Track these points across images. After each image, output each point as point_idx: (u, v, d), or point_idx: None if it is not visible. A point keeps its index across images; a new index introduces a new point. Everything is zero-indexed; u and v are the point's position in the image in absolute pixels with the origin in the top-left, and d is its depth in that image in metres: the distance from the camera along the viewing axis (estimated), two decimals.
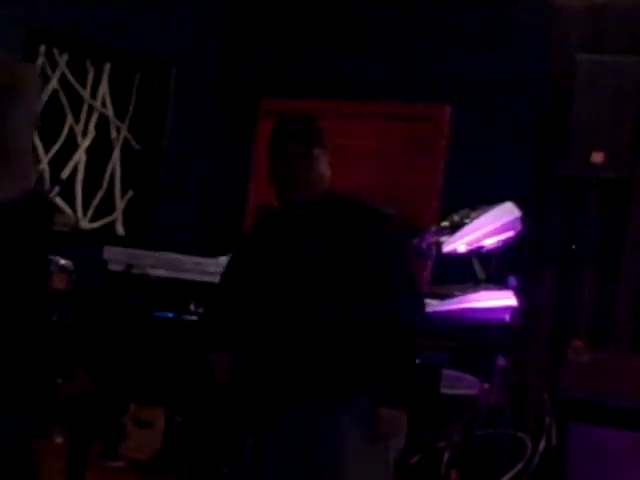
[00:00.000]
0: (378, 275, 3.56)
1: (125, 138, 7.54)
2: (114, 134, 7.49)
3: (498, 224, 5.27)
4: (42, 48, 7.06)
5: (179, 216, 7.44)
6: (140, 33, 7.19)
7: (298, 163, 3.63)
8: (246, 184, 7.13)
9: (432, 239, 5.25)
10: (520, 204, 5.36)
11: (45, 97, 7.12)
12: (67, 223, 7.13)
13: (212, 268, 5.32)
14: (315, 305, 3.54)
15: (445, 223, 5.32)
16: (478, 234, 5.23)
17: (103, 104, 7.43)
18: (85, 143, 7.36)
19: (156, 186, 7.56)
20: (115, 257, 6.22)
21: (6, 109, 2.80)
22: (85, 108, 7.35)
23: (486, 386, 5.14)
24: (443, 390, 4.94)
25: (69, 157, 7.29)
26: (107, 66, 7.42)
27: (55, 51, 7.15)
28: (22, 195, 2.77)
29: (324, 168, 3.69)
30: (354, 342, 3.52)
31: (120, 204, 7.55)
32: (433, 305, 5.16)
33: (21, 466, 2.74)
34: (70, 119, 7.27)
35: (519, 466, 5.56)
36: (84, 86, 7.33)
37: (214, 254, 5.56)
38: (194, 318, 4.67)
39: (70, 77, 7.25)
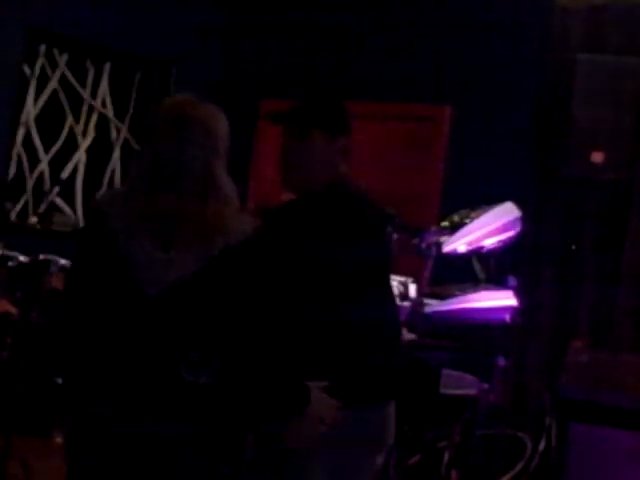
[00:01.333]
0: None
1: (125, 138, 7.55)
2: (114, 134, 7.50)
3: (498, 224, 5.27)
4: (42, 48, 7.06)
5: None
6: (140, 33, 7.19)
7: (289, 144, 3.36)
8: (246, 184, 7.13)
9: (432, 239, 5.25)
10: (520, 204, 5.36)
11: (45, 97, 7.13)
12: (67, 223, 7.14)
13: None
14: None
15: (445, 223, 5.31)
16: (478, 234, 5.23)
17: (103, 104, 7.43)
18: (85, 143, 7.37)
19: None
20: None
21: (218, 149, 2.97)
22: (85, 108, 7.35)
23: (486, 386, 5.14)
24: (443, 390, 4.94)
25: (69, 157, 7.29)
26: (107, 66, 7.42)
27: (55, 51, 7.15)
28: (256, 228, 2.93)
29: (325, 153, 3.38)
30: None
31: None
32: (433, 305, 5.16)
33: None
34: (70, 119, 7.27)
35: (519, 466, 5.56)
36: (84, 86, 7.33)
37: None
38: None
39: (70, 77, 7.25)
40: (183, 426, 2.81)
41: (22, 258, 5.34)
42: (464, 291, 5.19)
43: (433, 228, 5.36)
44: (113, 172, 7.51)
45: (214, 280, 2.81)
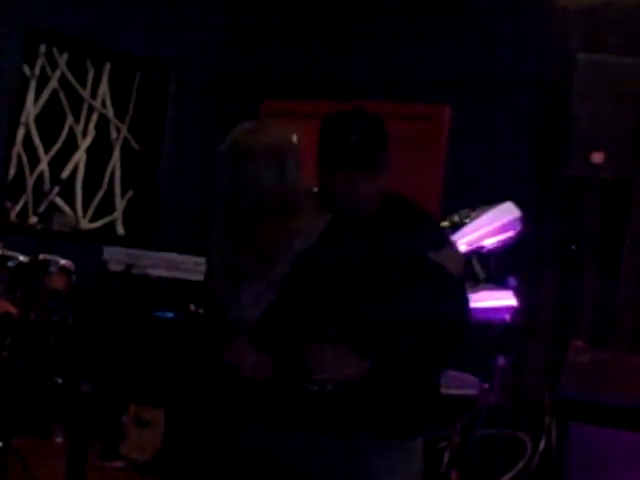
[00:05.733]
0: None
1: (125, 138, 7.55)
2: (114, 134, 7.50)
3: (498, 224, 5.26)
4: (42, 48, 7.06)
5: (179, 216, 7.44)
6: (140, 33, 7.19)
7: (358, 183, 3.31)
8: None
9: None
10: (520, 204, 5.35)
11: (45, 97, 7.13)
12: (67, 223, 7.13)
13: None
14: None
15: (445, 223, 5.31)
16: (478, 234, 5.23)
17: (103, 104, 7.43)
18: (85, 143, 7.37)
19: (156, 186, 7.57)
20: (115, 257, 6.22)
21: (284, 166, 2.98)
22: (85, 108, 7.35)
23: (486, 386, 5.14)
24: (443, 390, 4.94)
25: (69, 157, 7.29)
26: (107, 66, 7.42)
27: (55, 51, 7.15)
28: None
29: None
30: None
31: (120, 204, 7.55)
32: None
33: None
34: (70, 119, 7.27)
35: (519, 466, 5.55)
36: (84, 86, 7.34)
37: None
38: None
39: (70, 77, 7.25)
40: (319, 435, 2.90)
41: (22, 258, 5.34)
42: None
43: None
44: (113, 172, 7.51)
45: (295, 293, 2.90)
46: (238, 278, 2.94)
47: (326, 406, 2.86)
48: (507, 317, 5.17)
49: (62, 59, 7.20)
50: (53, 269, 5.36)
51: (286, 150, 3.01)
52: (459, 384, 5.06)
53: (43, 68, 7.09)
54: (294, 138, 3.07)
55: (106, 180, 7.47)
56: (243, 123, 3.08)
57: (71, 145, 7.29)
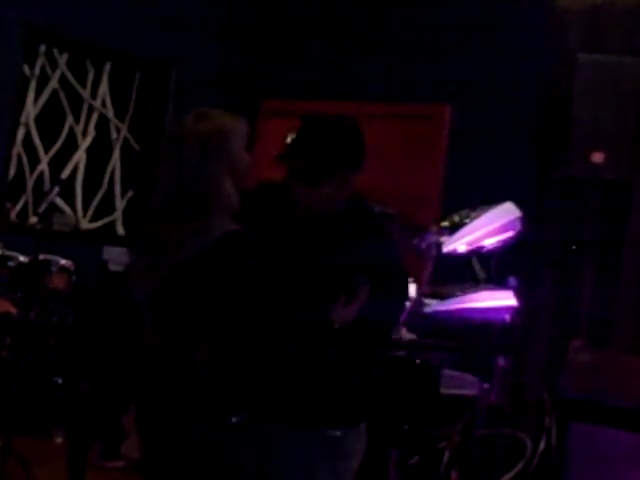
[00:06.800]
0: None
1: (125, 138, 7.55)
2: (114, 134, 7.50)
3: (498, 224, 5.27)
4: (42, 48, 7.06)
5: None
6: (140, 33, 7.19)
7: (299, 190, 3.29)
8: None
9: (432, 239, 5.25)
10: (520, 204, 5.36)
11: (45, 97, 7.13)
12: (67, 223, 7.14)
13: None
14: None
15: (445, 223, 5.32)
16: (478, 234, 5.24)
17: (103, 104, 7.43)
18: (85, 143, 7.36)
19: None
20: (115, 257, 6.23)
21: (205, 157, 2.90)
22: (85, 108, 7.35)
23: (486, 386, 5.14)
24: (443, 390, 4.94)
25: (69, 157, 7.29)
26: (107, 66, 7.42)
27: (55, 51, 7.15)
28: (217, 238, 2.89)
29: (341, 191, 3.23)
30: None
31: (120, 204, 7.55)
32: (433, 305, 5.15)
33: None
34: (70, 119, 7.27)
35: (519, 466, 5.56)
36: (84, 86, 7.33)
37: None
38: None
39: (70, 77, 7.25)
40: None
41: (22, 258, 5.34)
42: (464, 291, 5.19)
43: (433, 228, 5.36)
44: (113, 172, 7.51)
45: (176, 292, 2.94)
46: (143, 253, 3.02)
47: (204, 392, 2.93)
48: (507, 317, 5.17)
49: (62, 59, 7.20)
50: (53, 269, 5.37)
51: (212, 143, 2.91)
52: (459, 384, 5.06)
53: (43, 68, 7.09)
54: (231, 132, 2.95)
55: (106, 180, 7.46)
56: (191, 112, 3.00)
57: (71, 145, 7.28)
